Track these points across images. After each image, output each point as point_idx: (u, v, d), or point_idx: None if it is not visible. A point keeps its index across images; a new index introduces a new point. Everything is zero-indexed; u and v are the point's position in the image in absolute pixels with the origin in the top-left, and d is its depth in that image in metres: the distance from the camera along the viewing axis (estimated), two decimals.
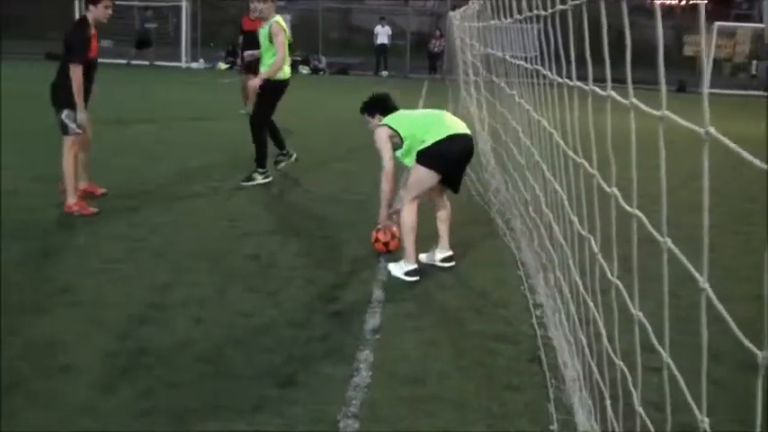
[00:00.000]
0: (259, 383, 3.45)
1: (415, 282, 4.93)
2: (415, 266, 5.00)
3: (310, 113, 13.56)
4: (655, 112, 1.55)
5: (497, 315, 4.46)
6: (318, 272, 5.04)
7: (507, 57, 3.96)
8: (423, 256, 5.27)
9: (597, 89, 1.97)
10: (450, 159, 4.97)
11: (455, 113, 5.62)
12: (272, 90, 7.69)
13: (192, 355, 3.70)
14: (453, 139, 4.93)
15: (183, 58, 26.39)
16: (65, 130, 6.22)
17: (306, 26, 30.73)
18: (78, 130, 6.22)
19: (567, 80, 2.35)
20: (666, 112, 1.53)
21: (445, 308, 4.54)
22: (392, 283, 4.90)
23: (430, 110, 5.37)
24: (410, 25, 31.46)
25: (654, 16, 1.73)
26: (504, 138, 5.14)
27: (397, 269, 5.01)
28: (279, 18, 7.69)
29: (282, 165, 8.24)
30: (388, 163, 5.01)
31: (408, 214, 5.00)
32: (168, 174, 7.95)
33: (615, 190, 1.86)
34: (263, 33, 7.75)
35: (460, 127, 5.07)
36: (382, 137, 5.07)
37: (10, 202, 6.39)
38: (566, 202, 2.47)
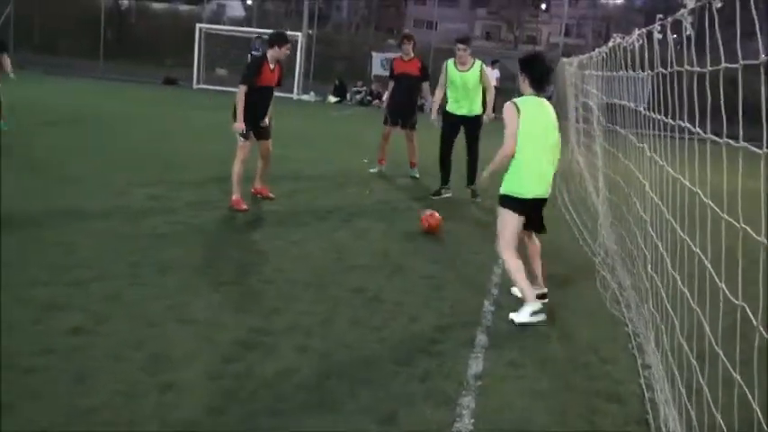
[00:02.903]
0: (360, 418, 3.44)
1: (520, 330, 4.83)
2: (537, 305, 4.96)
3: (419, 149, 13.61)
4: None
5: (604, 372, 4.31)
6: (422, 310, 5.01)
7: (641, 108, 3.85)
8: (516, 291, 5.32)
9: (751, 147, 1.88)
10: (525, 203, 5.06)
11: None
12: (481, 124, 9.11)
13: (296, 384, 3.74)
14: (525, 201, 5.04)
15: (295, 90, 27.18)
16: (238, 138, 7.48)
17: None
18: (242, 139, 7.44)
19: (729, 140, 2.25)
20: None
21: (550, 359, 4.42)
22: (496, 329, 4.81)
23: (544, 147, 5.07)
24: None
25: None
26: (627, 190, 4.99)
27: (523, 315, 4.95)
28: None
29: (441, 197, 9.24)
30: (506, 144, 4.99)
31: (509, 261, 5.07)
32: (278, 202, 8.15)
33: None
34: (472, 75, 8.88)
35: (542, 185, 5.09)
36: (507, 114, 5.00)
37: (140, 220, 6.72)
38: (708, 265, 2.34)
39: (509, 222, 5.06)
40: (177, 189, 8.24)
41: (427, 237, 7.18)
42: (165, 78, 28.27)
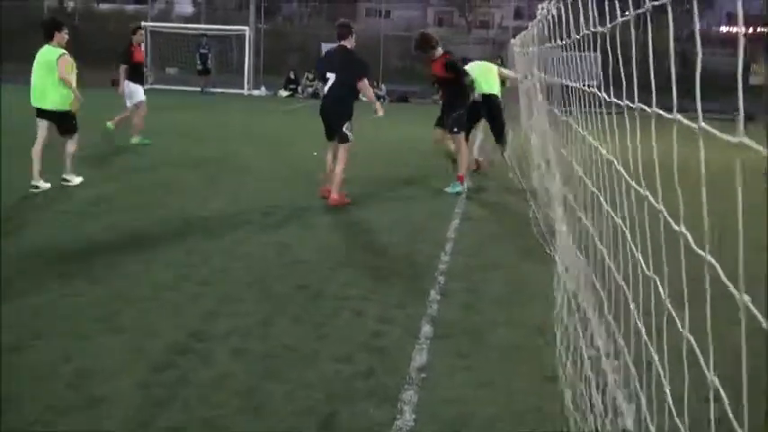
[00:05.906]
0: (297, 422, 3.30)
1: (467, 317, 4.72)
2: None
3: (369, 140, 13.44)
4: (730, 138, 1.35)
5: (554, 354, 4.21)
6: (366, 303, 4.87)
7: (563, 81, 3.75)
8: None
9: (662, 112, 1.77)
10: None
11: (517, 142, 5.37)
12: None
13: (231, 389, 3.57)
14: None
15: (246, 86, 26.84)
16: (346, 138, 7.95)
17: (366, 53, 30.91)
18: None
19: (627, 102, 2.14)
20: (745, 140, 1.32)
21: (498, 346, 4.31)
22: (442, 318, 4.70)
23: None
24: (472, 54, 31.30)
25: (719, 45, 1.53)
26: (553, 171, 4.90)
27: None
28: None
29: None
30: None
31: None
32: (223, 200, 7.95)
33: (683, 229, 1.63)
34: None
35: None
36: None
37: (76, 227, 6.46)
38: (629, 238, 2.24)
39: None
40: (115, 192, 7.98)
41: (377, 229, 7.03)
42: (112, 81, 27.65)
